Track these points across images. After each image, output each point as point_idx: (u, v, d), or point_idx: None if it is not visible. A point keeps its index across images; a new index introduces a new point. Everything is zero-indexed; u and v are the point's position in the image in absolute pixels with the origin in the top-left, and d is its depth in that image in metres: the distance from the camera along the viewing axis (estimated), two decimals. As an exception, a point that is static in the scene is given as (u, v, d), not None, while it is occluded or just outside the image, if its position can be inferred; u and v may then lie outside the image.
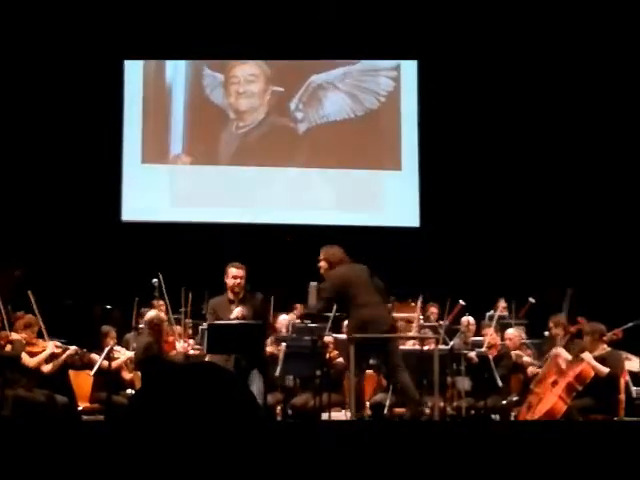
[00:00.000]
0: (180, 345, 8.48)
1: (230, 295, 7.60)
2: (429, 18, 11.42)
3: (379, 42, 11.66)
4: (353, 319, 7.58)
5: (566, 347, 8.14)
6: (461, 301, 9.37)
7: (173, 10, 11.02)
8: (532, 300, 10.22)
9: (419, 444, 3.48)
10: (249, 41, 11.36)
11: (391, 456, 3.41)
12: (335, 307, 7.87)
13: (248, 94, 12.46)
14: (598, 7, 10.85)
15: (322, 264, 7.76)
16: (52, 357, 8.00)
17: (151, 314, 8.45)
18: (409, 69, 12.60)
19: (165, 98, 12.28)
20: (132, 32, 11.17)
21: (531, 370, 8.36)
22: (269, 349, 8.35)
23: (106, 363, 8.11)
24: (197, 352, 8.33)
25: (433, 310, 9.98)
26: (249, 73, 12.44)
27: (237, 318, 7.43)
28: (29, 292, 7.99)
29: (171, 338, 8.55)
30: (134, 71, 12.23)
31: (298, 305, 10.13)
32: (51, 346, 7.96)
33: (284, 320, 9.52)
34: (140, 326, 8.98)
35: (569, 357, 7.93)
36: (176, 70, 12.35)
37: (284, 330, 9.27)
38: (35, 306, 8.00)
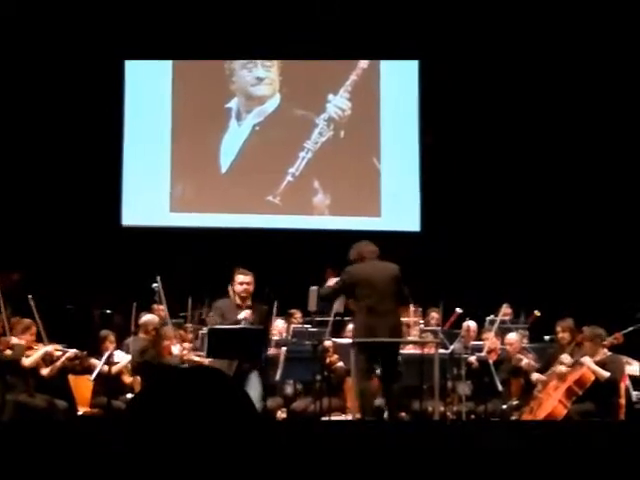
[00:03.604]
0: (177, 349, 8.45)
1: (237, 300, 7.56)
2: (430, 18, 11.42)
3: (380, 42, 11.65)
4: (355, 322, 7.59)
5: (570, 353, 8.13)
6: (458, 309, 9.37)
7: (173, 10, 11.02)
8: (537, 313, 10.21)
9: (418, 446, 3.48)
10: (250, 41, 11.35)
11: (390, 458, 3.41)
12: (334, 310, 7.87)
13: (251, 97, 12.48)
14: (598, 7, 10.85)
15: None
16: (51, 360, 7.99)
17: (145, 318, 8.44)
18: (410, 70, 12.60)
19: (166, 100, 12.26)
20: (132, 32, 11.17)
21: (536, 377, 8.31)
22: (270, 354, 8.34)
23: (106, 368, 8.09)
24: (198, 358, 8.30)
25: (434, 315, 9.95)
26: (255, 76, 12.43)
27: (245, 319, 7.39)
28: (29, 297, 7.98)
29: (167, 342, 8.52)
30: (134, 72, 12.20)
31: (296, 310, 10.13)
32: (48, 346, 7.94)
33: (280, 325, 9.52)
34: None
35: (570, 361, 7.91)
36: (177, 71, 12.30)
37: (279, 335, 9.26)
38: (35, 311, 7.99)
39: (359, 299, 7.49)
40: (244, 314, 7.43)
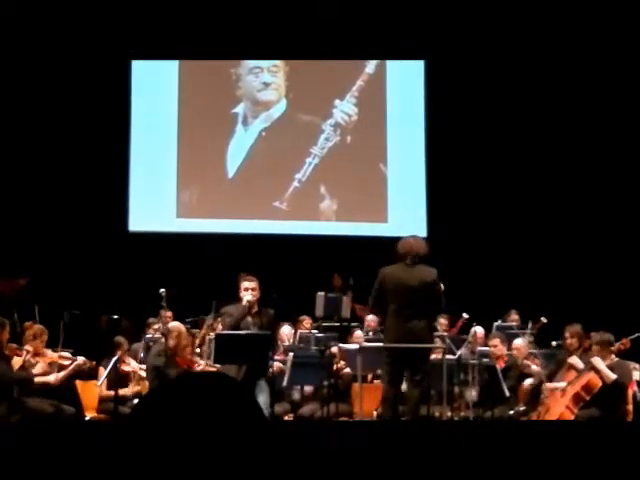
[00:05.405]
0: (202, 363, 8.36)
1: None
2: (436, 18, 11.41)
3: (386, 42, 11.65)
4: (385, 327, 7.51)
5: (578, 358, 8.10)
6: (464, 314, 9.35)
7: (180, 10, 11.02)
8: (544, 320, 10.20)
9: (423, 448, 3.48)
10: (256, 42, 11.36)
11: (398, 459, 3.40)
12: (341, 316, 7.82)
13: (257, 103, 12.50)
14: (603, 7, 10.83)
15: None
16: (60, 367, 7.97)
17: (174, 324, 8.33)
18: (416, 74, 12.62)
19: (172, 106, 12.27)
20: (139, 32, 11.17)
21: (545, 386, 8.29)
22: (278, 359, 8.33)
23: (113, 374, 8.08)
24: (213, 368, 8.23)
25: (442, 321, 9.92)
26: (261, 81, 12.46)
27: (249, 301, 7.37)
28: (35, 306, 7.98)
29: (186, 350, 8.41)
30: (141, 74, 12.20)
31: (305, 317, 10.13)
32: (55, 354, 7.91)
33: (287, 331, 9.51)
34: (147, 335, 8.95)
35: (581, 365, 7.88)
36: (183, 76, 12.32)
37: (287, 341, 9.26)
38: (38, 318, 7.98)
39: (388, 301, 7.41)
40: (248, 295, 7.40)
